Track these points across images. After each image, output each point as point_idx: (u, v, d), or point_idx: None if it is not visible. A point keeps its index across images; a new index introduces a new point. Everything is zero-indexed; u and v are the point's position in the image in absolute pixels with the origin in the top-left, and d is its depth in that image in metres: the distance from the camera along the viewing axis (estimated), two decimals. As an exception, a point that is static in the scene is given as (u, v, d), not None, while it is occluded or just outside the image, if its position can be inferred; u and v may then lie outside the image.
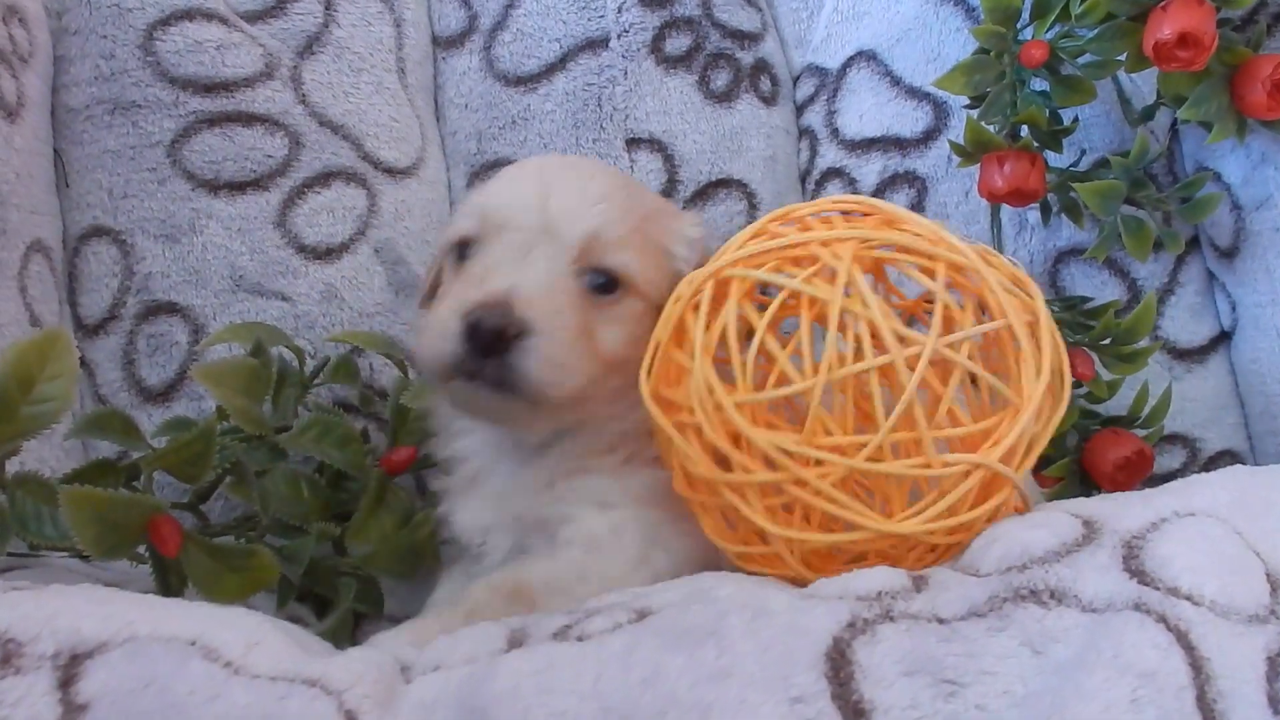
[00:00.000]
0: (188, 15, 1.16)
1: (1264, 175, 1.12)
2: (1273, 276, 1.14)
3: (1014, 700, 0.55)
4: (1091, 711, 0.52)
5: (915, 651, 0.57)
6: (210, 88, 1.16)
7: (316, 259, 1.18)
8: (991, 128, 1.08)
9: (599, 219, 0.84)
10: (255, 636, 0.65)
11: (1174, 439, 1.20)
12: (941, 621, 0.60)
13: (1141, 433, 1.10)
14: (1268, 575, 0.63)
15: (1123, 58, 1.02)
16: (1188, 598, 0.60)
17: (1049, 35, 1.03)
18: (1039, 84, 1.09)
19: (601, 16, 1.26)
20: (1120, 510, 0.70)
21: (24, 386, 0.73)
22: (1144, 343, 1.04)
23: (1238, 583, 0.61)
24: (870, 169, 1.26)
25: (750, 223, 1.24)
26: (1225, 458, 1.21)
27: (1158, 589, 0.61)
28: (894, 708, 0.54)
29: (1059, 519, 0.71)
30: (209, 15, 1.17)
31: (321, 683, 0.62)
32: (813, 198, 1.32)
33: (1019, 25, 1.06)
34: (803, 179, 1.33)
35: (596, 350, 0.82)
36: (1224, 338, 1.22)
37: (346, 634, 0.89)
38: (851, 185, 1.27)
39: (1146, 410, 1.08)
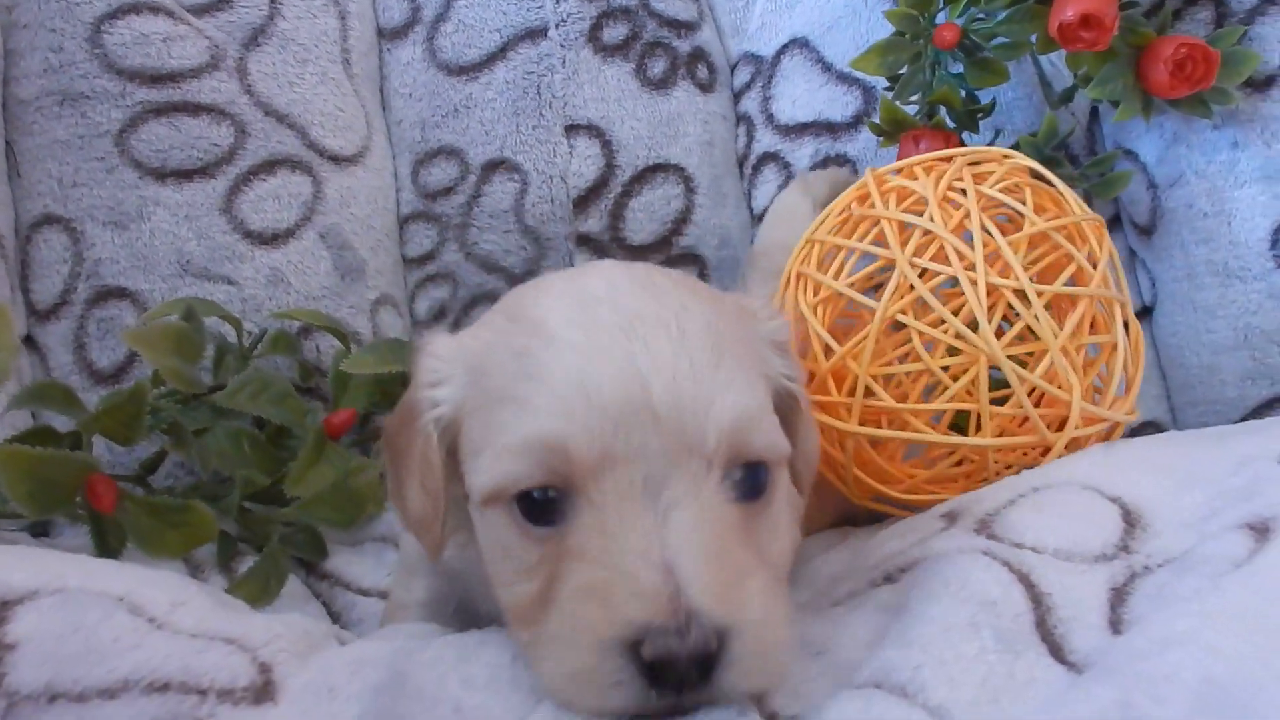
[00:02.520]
0: (134, 9, 1.19)
1: (1177, 154, 1.16)
2: (1187, 252, 1.17)
3: (867, 644, 0.59)
4: (931, 632, 0.56)
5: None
6: (157, 78, 1.19)
7: (263, 244, 1.21)
8: (912, 109, 1.12)
9: (732, 390, 0.58)
10: (181, 597, 0.69)
11: (1099, 411, 1.24)
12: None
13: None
14: (1125, 514, 0.67)
15: (1033, 39, 1.06)
16: (1031, 549, 0.64)
17: (961, 18, 1.07)
18: (958, 66, 1.12)
19: (540, 7, 1.30)
20: (982, 497, 0.75)
21: (-34, 358, 0.76)
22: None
23: (1083, 531, 0.65)
24: (803, 152, 1.29)
25: (687, 205, 1.29)
26: (1148, 429, 1.24)
27: (1004, 543, 0.65)
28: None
29: (924, 522, 0.75)
30: (155, 8, 1.20)
31: (239, 641, 0.66)
32: (750, 182, 1.35)
33: (935, 8, 1.09)
34: (741, 163, 1.37)
35: (776, 574, 0.60)
36: (1146, 312, 1.26)
37: (279, 579, 0.92)
38: (786, 169, 1.30)
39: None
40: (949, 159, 0.89)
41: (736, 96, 1.38)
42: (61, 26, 1.19)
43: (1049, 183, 0.89)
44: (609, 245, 1.28)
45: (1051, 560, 0.63)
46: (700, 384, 0.57)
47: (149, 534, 0.86)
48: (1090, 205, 1.18)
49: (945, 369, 0.80)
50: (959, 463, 0.86)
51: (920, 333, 0.79)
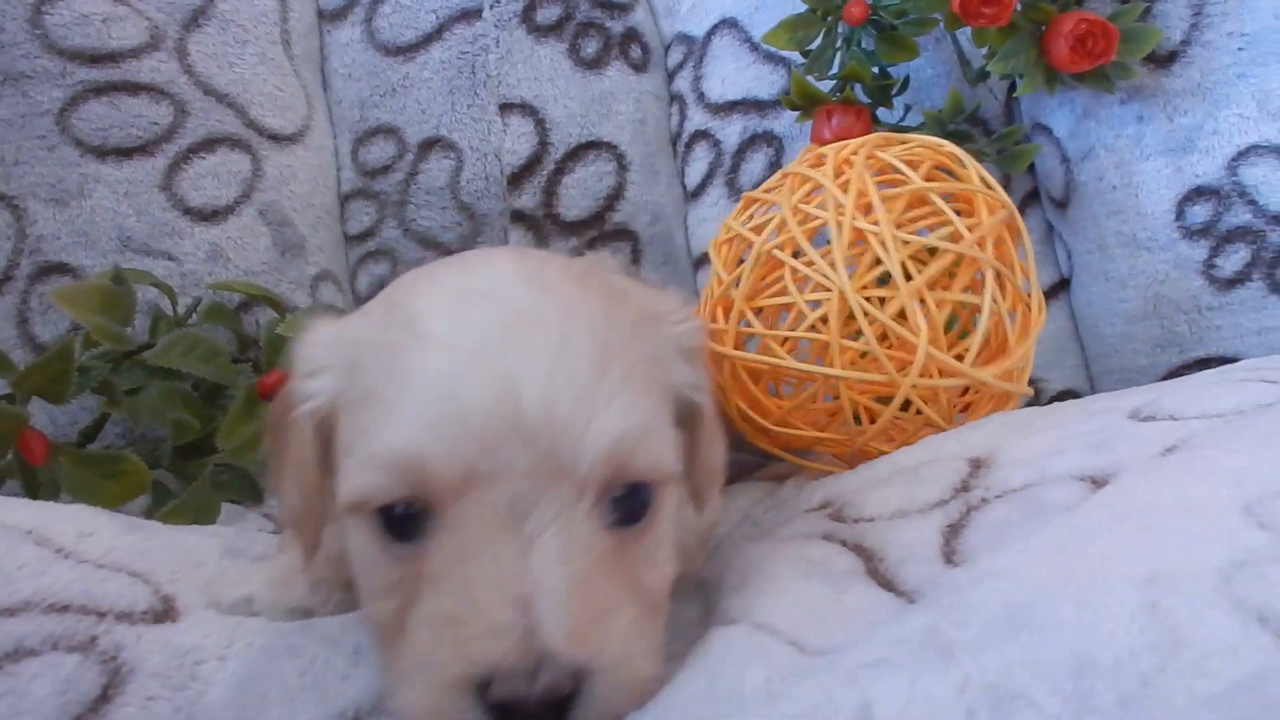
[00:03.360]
0: (74, -10, 1.22)
1: (1087, 128, 1.20)
2: (1099, 224, 1.21)
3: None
4: (763, 583, 0.60)
5: None
6: (97, 58, 1.22)
7: (202, 220, 1.24)
8: (828, 84, 1.15)
9: (614, 407, 0.53)
10: (89, 528, 0.73)
11: (1019, 380, 1.28)
12: None
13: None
14: (972, 461, 0.71)
15: (939, 16, 1.09)
16: (868, 519, 0.68)
17: (871, -4, 1.10)
18: (872, 42, 1.16)
19: (475, -12, 1.33)
20: (849, 486, 0.78)
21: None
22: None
23: (918, 492, 0.69)
24: (732, 130, 1.33)
25: (619, 182, 1.32)
26: (1067, 396, 1.28)
27: (845, 522, 0.69)
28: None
29: (800, 501, 0.80)
30: (95, -10, 1.23)
31: (144, 575, 0.69)
32: (683, 160, 1.39)
33: (847, -13, 1.13)
34: (674, 141, 1.40)
35: (648, 606, 0.56)
36: (1064, 284, 1.29)
37: (209, 513, 0.94)
38: (716, 146, 1.34)
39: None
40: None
41: (670, 76, 1.41)
42: (2, 8, 1.21)
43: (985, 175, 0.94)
44: (543, 221, 1.32)
45: (884, 523, 0.67)
46: (579, 400, 0.52)
47: (83, 485, 0.89)
48: (1007, 183, 1.22)
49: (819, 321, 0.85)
50: (822, 399, 0.92)
51: (794, 271, 0.83)
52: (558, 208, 1.32)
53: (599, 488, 0.53)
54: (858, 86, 1.15)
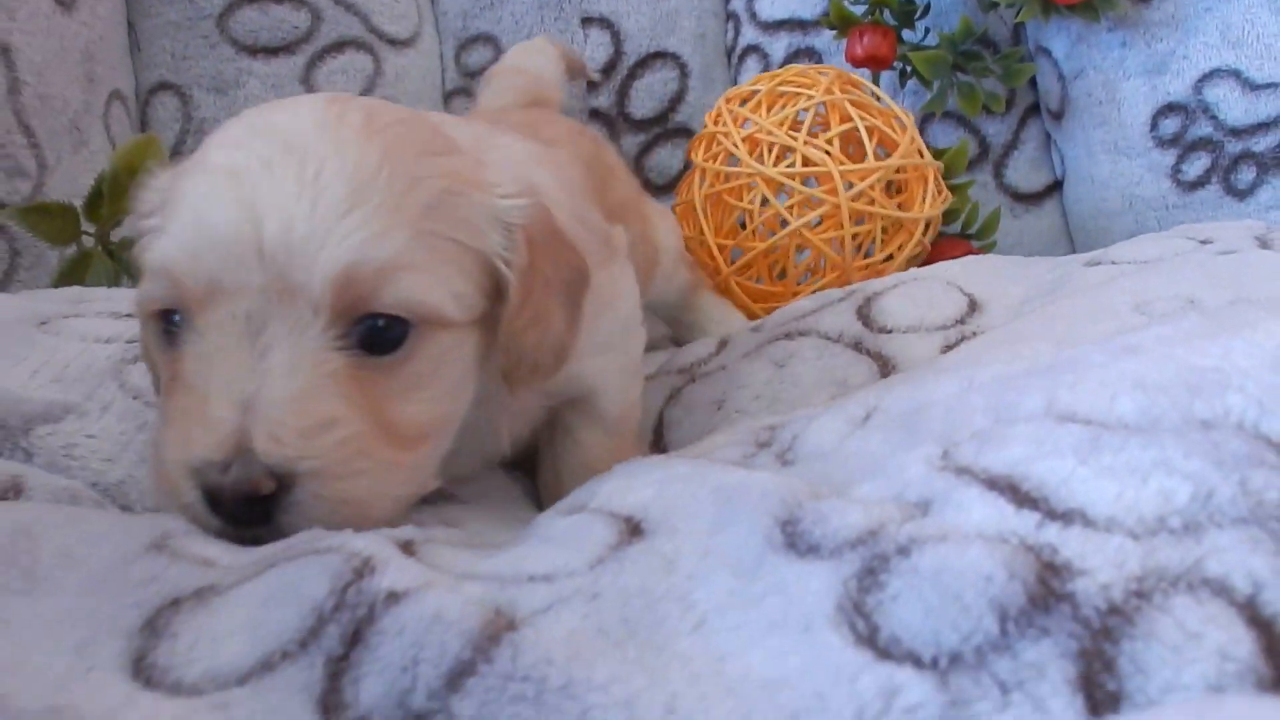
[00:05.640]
0: (232, -86, 1.46)
1: (1080, 51, 1.42)
2: (1087, 134, 1.43)
3: (758, 397, 0.88)
4: (796, 394, 0.85)
5: (704, 395, 0.90)
6: (249, -28, 1.46)
7: (334, 110, 1.49)
8: (859, 9, 1.38)
9: (354, 237, 0.56)
10: None
11: (1014, 267, 1.52)
12: (724, 369, 0.93)
13: (977, 243, 1.39)
14: (970, 302, 0.94)
15: (956, -47, 1.31)
16: (889, 331, 0.92)
17: (900, -66, 1.32)
18: (900, -26, 1.37)
19: (562, -82, 1.56)
20: (871, 284, 1.01)
21: (130, 172, 1.05)
22: (963, 179, 1.34)
23: (929, 311, 0.93)
24: (779, 45, 1.55)
25: (681, 87, 1.55)
26: (1054, 283, 1.52)
27: (871, 329, 0.92)
28: (680, 425, 0.89)
29: (831, 294, 1.02)
30: (248, -86, 1.47)
31: None
32: (736, 70, 1.61)
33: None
34: (729, 53, 1.63)
35: (399, 437, 0.59)
36: (1058, 185, 1.52)
37: None
38: (765, 59, 1.56)
39: (977, 225, 1.37)
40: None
41: (727, -5, 1.63)
42: (174, -72, 1.46)
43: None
44: (616, 119, 1.56)
45: (899, 336, 0.91)
46: (316, 226, 0.56)
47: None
48: (1012, 96, 1.44)
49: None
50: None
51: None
52: (629, 108, 1.56)
53: (333, 310, 0.57)
54: (886, 11, 1.37)
